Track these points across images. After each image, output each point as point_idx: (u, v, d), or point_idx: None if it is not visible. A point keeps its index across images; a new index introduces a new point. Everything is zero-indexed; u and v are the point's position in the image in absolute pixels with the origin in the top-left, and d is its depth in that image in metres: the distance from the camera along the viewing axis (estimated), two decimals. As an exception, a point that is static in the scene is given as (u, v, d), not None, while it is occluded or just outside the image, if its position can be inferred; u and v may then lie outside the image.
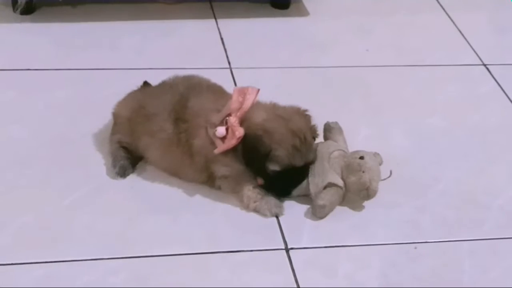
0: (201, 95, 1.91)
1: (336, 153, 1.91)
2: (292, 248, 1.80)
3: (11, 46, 2.38)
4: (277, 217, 1.85)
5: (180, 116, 1.88)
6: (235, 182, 1.87)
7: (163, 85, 2.00)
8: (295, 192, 1.89)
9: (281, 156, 1.80)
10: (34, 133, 2.05)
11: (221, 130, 1.83)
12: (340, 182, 1.87)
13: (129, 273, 1.70)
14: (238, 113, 1.83)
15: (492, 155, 2.14)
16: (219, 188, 1.90)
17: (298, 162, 1.83)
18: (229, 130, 1.82)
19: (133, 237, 1.78)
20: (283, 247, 1.80)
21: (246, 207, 1.87)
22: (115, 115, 2.01)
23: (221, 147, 1.82)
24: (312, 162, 1.87)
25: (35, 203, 1.84)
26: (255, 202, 1.85)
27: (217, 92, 1.96)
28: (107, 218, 1.82)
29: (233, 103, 1.84)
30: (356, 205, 1.90)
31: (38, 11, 2.52)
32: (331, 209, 1.87)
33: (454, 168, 2.07)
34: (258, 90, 1.87)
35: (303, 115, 1.87)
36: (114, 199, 1.87)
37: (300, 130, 1.82)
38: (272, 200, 1.85)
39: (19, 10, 2.49)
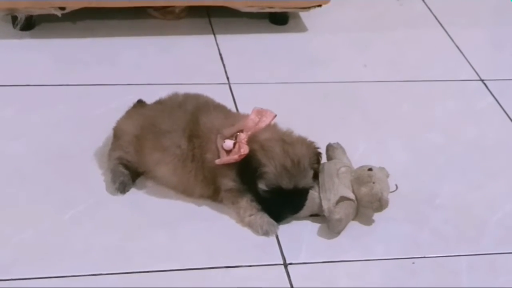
0: (211, 113, 1.93)
1: (343, 169, 1.91)
2: (290, 263, 1.80)
3: (11, 62, 2.39)
4: (268, 235, 1.84)
5: (194, 133, 1.90)
6: (237, 194, 1.87)
7: (170, 103, 2.00)
8: (306, 211, 1.88)
9: (268, 174, 1.81)
10: (33, 148, 2.05)
11: (228, 143, 1.84)
12: (352, 196, 1.86)
13: (127, 288, 1.70)
14: (250, 132, 1.85)
15: (490, 170, 2.14)
16: (221, 200, 1.91)
17: (286, 184, 1.81)
18: (237, 145, 1.84)
19: (131, 252, 1.78)
20: (282, 262, 1.80)
21: (241, 220, 1.87)
22: (119, 132, 1.99)
23: (223, 159, 1.84)
24: (304, 189, 1.85)
25: (34, 219, 1.84)
26: (250, 215, 1.85)
27: (224, 110, 1.99)
28: (106, 234, 1.82)
29: (249, 121, 1.87)
30: (354, 220, 1.90)
31: (37, 27, 2.53)
32: (347, 223, 1.87)
33: (452, 183, 2.08)
34: (275, 115, 1.89)
35: (306, 144, 1.87)
36: (112, 215, 1.87)
37: (295, 153, 1.82)
38: (267, 217, 1.85)
39: (18, 26, 2.49)
